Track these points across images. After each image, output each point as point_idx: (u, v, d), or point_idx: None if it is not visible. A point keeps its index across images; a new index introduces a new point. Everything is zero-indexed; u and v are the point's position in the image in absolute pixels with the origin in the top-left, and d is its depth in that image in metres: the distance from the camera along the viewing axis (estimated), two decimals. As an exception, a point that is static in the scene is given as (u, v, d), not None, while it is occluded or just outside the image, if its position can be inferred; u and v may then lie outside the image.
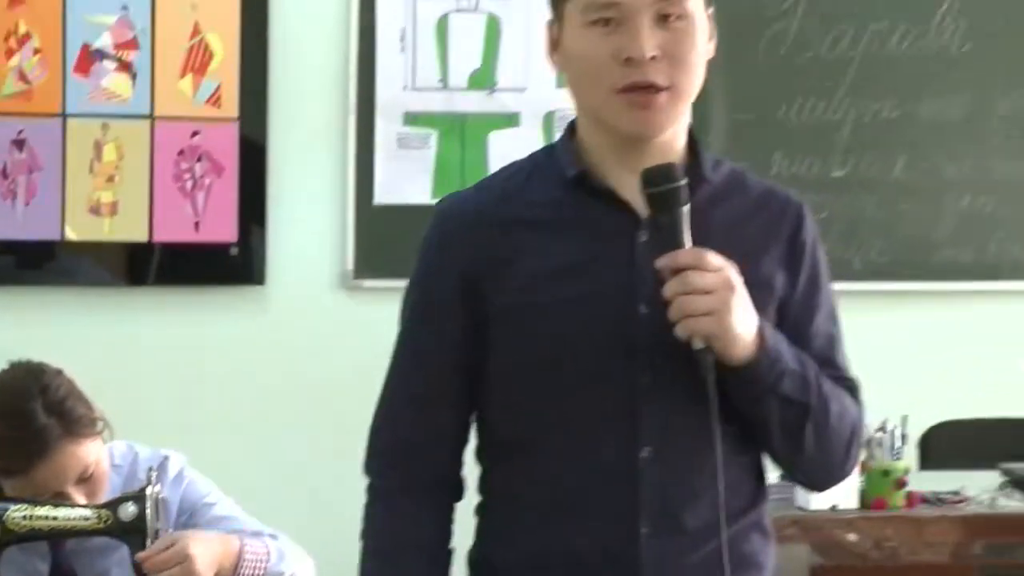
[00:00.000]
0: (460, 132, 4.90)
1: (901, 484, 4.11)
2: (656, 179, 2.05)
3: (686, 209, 2.06)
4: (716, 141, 4.84)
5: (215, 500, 3.32)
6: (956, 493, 4.24)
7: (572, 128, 2.21)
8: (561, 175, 2.16)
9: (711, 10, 2.15)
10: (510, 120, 4.90)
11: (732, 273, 2.03)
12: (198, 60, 4.70)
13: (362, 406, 4.69)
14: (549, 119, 4.86)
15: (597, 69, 2.09)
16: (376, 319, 4.48)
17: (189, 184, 4.71)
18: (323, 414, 4.82)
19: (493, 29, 4.89)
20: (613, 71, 2.07)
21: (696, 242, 2.06)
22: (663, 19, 2.08)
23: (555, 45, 2.19)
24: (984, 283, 4.90)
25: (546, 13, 4.89)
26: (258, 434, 4.81)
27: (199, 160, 4.71)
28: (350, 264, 4.86)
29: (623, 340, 2.11)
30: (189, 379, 4.77)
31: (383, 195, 4.85)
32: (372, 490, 2.26)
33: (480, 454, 2.25)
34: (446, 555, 2.24)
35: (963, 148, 5.03)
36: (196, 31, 4.68)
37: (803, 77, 5.06)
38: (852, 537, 4.10)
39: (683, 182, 2.06)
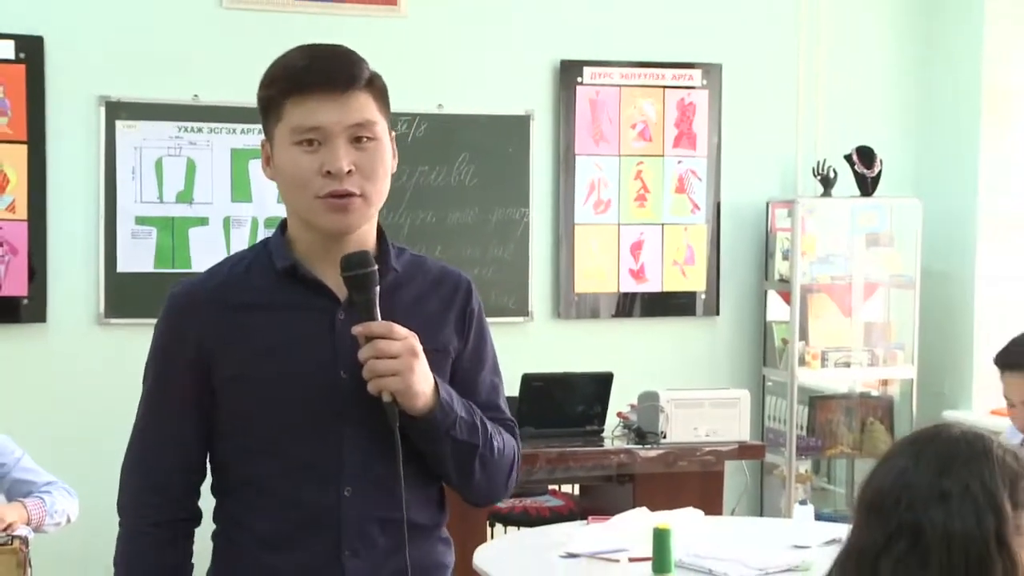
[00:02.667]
0: (171, 229, 5.13)
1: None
2: (352, 265, 1.89)
3: (377, 289, 1.90)
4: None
5: (21, 455, 3.55)
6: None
7: (283, 226, 2.01)
8: (274, 266, 1.96)
9: (393, 134, 1.99)
10: (202, 221, 5.15)
11: (415, 342, 1.88)
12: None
13: (112, 400, 4.64)
14: (227, 220, 5.17)
15: (304, 180, 1.89)
16: (118, 343, 5.12)
17: (-5, 261, 4.96)
18: (88, 405, 5.03)
19: (191, 166, 5.13)
20: (317, 182, 1.88)
21: (385, 317, 1.90)
22: (356, 140, 1.90)
23: (268, 160, 1.97)
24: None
25: (225, 158, 5.32)
26: (47, 421, 4.92)
27: (1, 246, 4.95)
28: (102, 308, 5.09)
29: (328, 400, 1.92)
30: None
31: (123, 266, 5.09)
32: (120, 525, 2.04)
33: (214, 489, 2.04)
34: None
35: (474, 241, 5.39)
36: (-3, 164, 4.95)
37: (380, 197, 5.43)
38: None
39: (374, 268, 1.90)
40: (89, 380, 5.10)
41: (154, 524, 2.00)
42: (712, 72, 5.72)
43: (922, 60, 5.97)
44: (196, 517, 2.04)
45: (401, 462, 1.87)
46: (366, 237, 1.97)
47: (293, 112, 1.89)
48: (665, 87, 5.66)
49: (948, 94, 5.86)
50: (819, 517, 4.12)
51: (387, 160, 1.95)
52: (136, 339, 4.86)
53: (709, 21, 5.73)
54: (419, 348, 1.88)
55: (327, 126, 1.88)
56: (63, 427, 5.04)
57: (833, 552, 3.32)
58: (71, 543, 4.44)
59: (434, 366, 1.93)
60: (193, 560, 2.05)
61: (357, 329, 1.87)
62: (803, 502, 3.83)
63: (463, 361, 2.05)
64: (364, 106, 1.91)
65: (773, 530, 3.85)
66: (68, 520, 3.52)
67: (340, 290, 1.94)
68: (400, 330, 1.88)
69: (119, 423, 4.84)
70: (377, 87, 1.95)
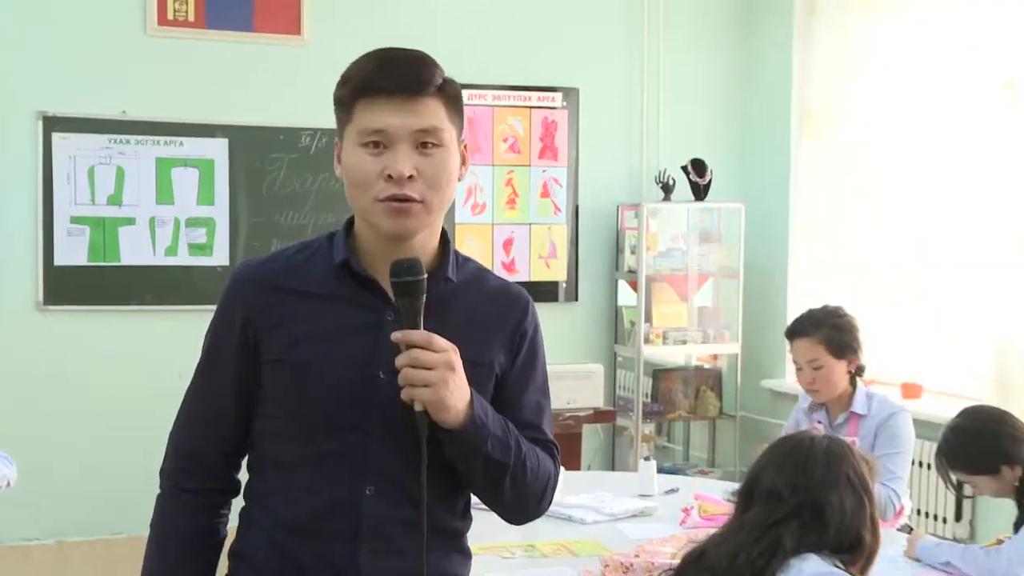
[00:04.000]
0: (103, 227, 5.11)
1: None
2: (401, 271, 1.66)
3: (424, 298, 1.66)
4: (242, 234, 5.18)
5: None
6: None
7: (351, 223, 1.79)
8: (332, 259, 1.75)
9: (466, 142, 1.78)
10: (130, 221, 5.15)
11: (454, 356, 1.65)
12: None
13: (49, 378, 5.15)
14: (152, 220, 5.15)
15: (366, 181, 1.68)
16: (55, 327, 5.12)
17: (-57, 252, 5.00)
18: (27, 382, 5.04)
19: (120, 173, 5.13)
20: (378, 184, 1.67)
21: (435, 326, 1.66)
22: (422, 146, 1.68)
23: (339, 158, 1.76)
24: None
25: (150, 166, 5.28)
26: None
27: (-52, 243, 5.05)
28: (40, 297, 5.07)
29: (362, 398, 1.71)
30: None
31: (59, 260, 5.07)
32: (160, 487, 1.85)
33: (248, 466, 1.84)
34: (212, 545, 1.84)
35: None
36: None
37: (288, 201, 5.27)
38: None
39: (423, 277, 1.66)
40: (28, 363, 5.13)
41: (185, 490, 1.82)
42: (571, 95, 5.89)
43: (743, 86, 6.20)
44: (231, 489, 1.86)
45: (426, 472, 1.66)
46: (425, 243, 1.75)
47: (361, 113, 1.70)
48: (531, 107, 5.80)
49: (764, 115, 6.10)
50: (661, 471, 4.20)
51: (452, 168, 1.74)
52: (71, 323, 5.18)
53: (568, 52, 5.91)
54: (457, 363, 1.66)
55: (392, 130, 1.68)
56: (3, 402, 5.05)
57: (672, 500, 3.45)
58: (8, 505, 4.56)
59: (475, 381, 1.71)
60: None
61: (396, 335, 1.65)
62: (647, 458, 3.82)
63: (509, 378, 1.80)
64: (433, 112, 1.70)
65: (623, 482, 3.85)
66: (8, 484, 3.50)
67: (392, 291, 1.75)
68: (440, 342, 1.65)
69: (54, 399, 5.13)
70: (449, 94, 1.74)
